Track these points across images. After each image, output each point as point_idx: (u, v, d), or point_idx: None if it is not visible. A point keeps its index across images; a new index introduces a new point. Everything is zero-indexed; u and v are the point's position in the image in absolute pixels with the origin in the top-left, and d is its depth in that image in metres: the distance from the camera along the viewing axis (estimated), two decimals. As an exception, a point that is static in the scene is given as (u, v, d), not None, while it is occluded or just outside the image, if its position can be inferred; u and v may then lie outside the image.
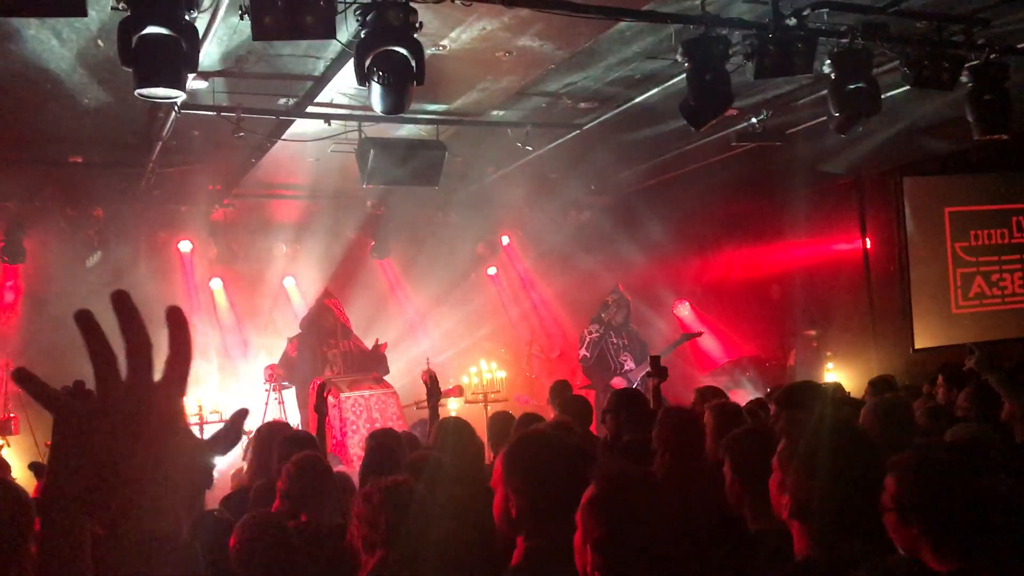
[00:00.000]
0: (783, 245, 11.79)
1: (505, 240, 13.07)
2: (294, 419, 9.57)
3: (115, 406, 0.89)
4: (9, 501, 2.27)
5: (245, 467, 5.11)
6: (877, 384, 6.17)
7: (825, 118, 7.24)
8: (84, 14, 4.32)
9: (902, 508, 2.21)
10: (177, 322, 0.94)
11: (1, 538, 2.18)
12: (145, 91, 4.53)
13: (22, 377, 0.90)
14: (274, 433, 4.90)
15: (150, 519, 0.88)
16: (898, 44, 6.11)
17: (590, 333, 10.67)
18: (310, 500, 3.72)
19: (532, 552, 2.24)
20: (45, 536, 0.89)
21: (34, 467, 4.83)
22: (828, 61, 6.01)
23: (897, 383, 6.50)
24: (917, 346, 10.43)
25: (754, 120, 8.37)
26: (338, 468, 5.64)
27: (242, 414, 1.07)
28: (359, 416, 8.72)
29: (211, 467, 0.99)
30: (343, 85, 6.78)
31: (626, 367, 10.41)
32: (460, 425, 4.74)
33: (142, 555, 0.87)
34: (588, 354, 10.50)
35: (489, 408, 9.59)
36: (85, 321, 0.89)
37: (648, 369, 10.07)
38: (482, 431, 5.27)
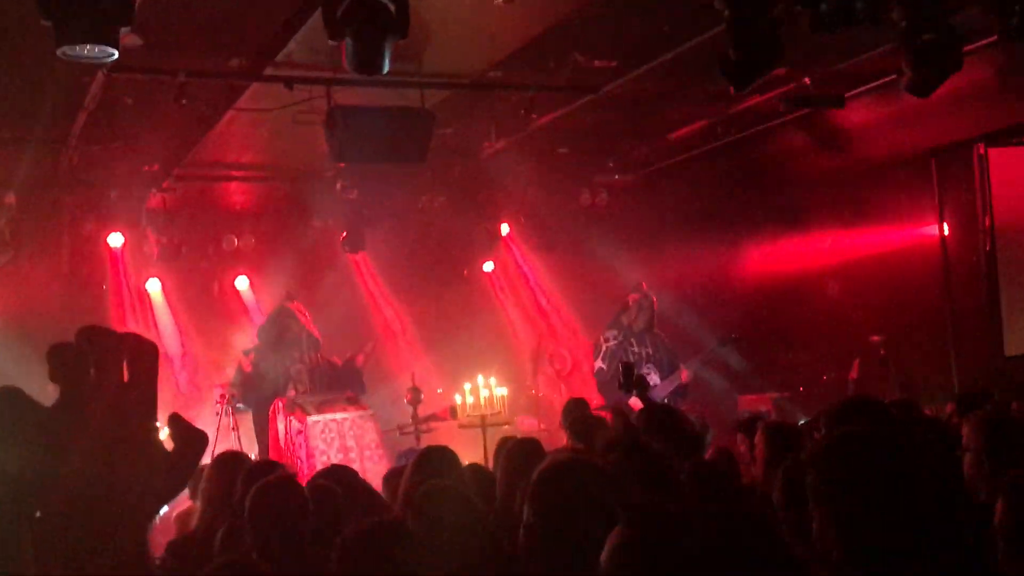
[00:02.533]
0: (842, 232, 11.79)
1: (505, 229, 13.08)
2: (251, 449, 9.57)
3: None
4: None
5: (198, 505, 5.10)
6: (967, 401, 6.09)
7: (894, 76, 7.23)
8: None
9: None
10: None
11: None
12: (69, 50, 4.52)
13: None
14: (237, 464, 4.90)
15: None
16: (983, -15, 6.12)
17: (607, 341, 10.63)
18: (288, 539, 3.74)
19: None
20: None
21: None
22: (898, 7, 6.01)
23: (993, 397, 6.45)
24: (1009, 353, 10.42)
25: (807, 80, 8.37)
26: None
27: (202, 440, 1.08)
28: (330, 444, 8.73)
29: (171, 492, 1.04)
30: (310, 40, 6.78)
31: (650, 382, 10.39)
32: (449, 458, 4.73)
33: None
34: (604, 366, 10.46)
35: (487, 433, 9.57)
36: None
37: (679, 382, 10.26)
38: (472, 459, 5.24)
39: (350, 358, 10.22)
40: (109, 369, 0.98)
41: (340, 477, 4.78)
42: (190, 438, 1.06)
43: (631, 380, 6.35)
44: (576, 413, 6.97)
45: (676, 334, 11.11)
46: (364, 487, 5.00)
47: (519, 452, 5.49)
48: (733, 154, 10.70)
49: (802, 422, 6.70)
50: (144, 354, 1.00)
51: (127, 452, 0.97)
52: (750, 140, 10.27)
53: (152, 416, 1.01)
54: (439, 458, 4.69)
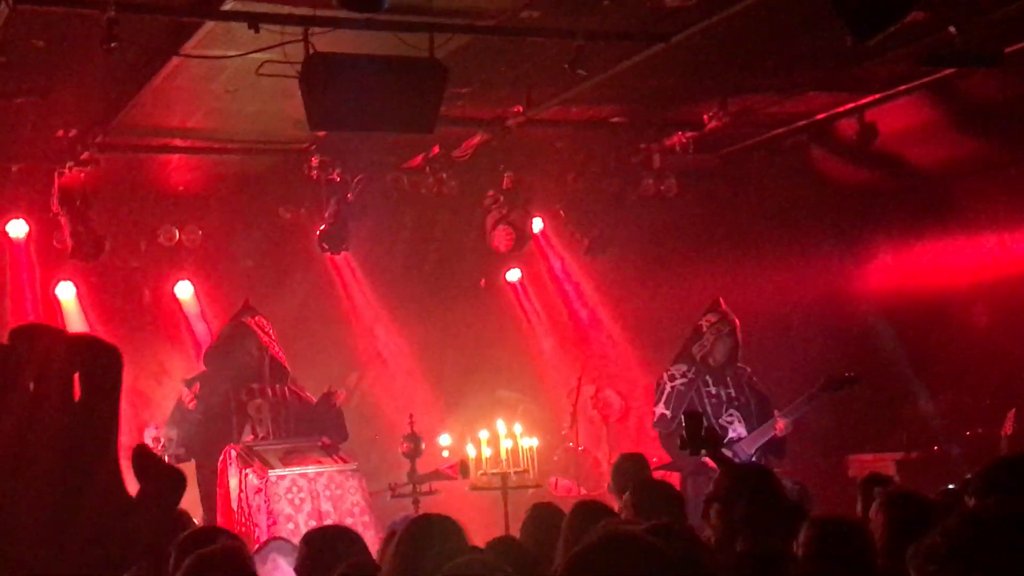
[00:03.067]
0: (997, 237, 11.73)
1: (537, 225, 13.08)
2: (195, 512, 9.62)
3: None
4: None
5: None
6: None
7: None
8: None
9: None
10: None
11: None
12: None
13: None
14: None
15: None
16: None
17: (672, 379, 10.61)
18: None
19: None
20: None
21: None
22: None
23: None
24: None
25: (952, 31, 8.35)
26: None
27: (180, 482, 1.07)
28: (299, 507, 8.75)
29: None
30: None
31: (732, 434, 10.37)
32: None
33: None
34: (668, 413, 10.45)
35: (509, 499, 9.58)
36: None
37: (771, 436, 10.21)
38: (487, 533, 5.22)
39: (327, 393, 10.23)
40: (53, 383, 0.95)
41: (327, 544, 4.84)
42: (165, 478, 1.03)
43: (698, 435, 6.29)
44: (637, 474, 6.98)
45: (768, 371, 11.07)
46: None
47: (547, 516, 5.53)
48: (847, 129, 10.69)
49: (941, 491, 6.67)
50: (103, 363, 0.98)
51: (78, 498, 0.95)
52: (878, 110, 10.27)
53: (112, 447, 0.98)
54: (438, 532, 4.68)
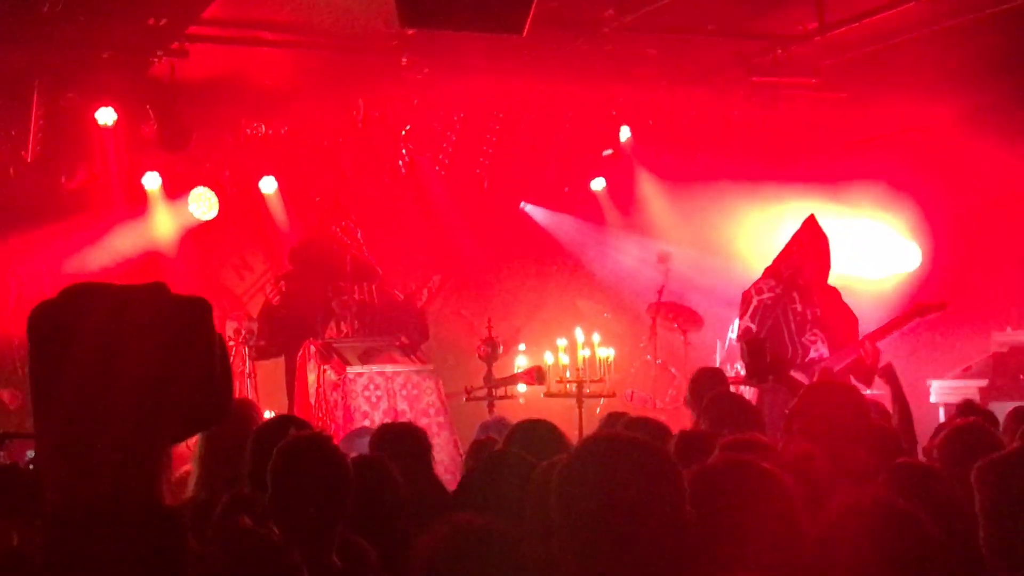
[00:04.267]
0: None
1: (625, 133, 12.97)
2: (274, 404, 9.75)
3: None
4: None
5: (193, 469, 5.23)
6: None
7: None
8: None
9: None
10: None
11: None
12: None
13: None
14: (246, 419, 5.00)
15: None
16: None
17: (759, 293, 10.49)
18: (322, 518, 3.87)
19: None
20: None
21: None
22: None
23: None
24: None
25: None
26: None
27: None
28: (375, 405, 8.82)
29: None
30: None
31: (814, 354, 10.26)
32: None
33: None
34: (754, 326, 10.35)
35: (584, 407, 9.60)
36: None
37: (851, 357, 10.07)
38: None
39: (410, 294, 10.27)
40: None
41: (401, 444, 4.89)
42: None
43: (761, 363, 6.26)
44: (711, 388, 6.95)
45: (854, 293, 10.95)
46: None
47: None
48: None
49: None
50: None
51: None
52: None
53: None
54: (547, 437, 4.71)
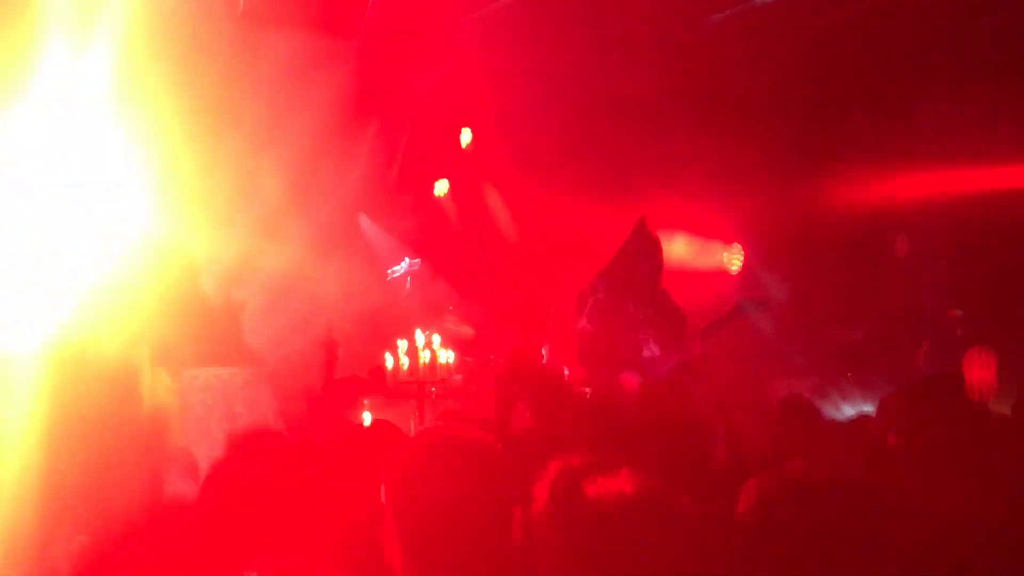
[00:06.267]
0: (915, 170, 11.78)
1: (466, 136, 13.10)
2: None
3: None
4: None
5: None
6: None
7: None
8: None
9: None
10: None
11: None
12: None
13: None
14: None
15: None
16: None
17: (595, 293, 10.67)
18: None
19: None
20: None
21: None
22: None
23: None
24: None
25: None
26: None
27: None
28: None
29: None
30: None
31: (646, 353, 10.44)
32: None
33: None
34: (588, 325, 10.50)
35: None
36: None
37: (683, 355, 10.24)
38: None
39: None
40: None
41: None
42: None
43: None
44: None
45: (684, 289, 11.13)
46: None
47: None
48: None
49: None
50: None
51: None
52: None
53: None
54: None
